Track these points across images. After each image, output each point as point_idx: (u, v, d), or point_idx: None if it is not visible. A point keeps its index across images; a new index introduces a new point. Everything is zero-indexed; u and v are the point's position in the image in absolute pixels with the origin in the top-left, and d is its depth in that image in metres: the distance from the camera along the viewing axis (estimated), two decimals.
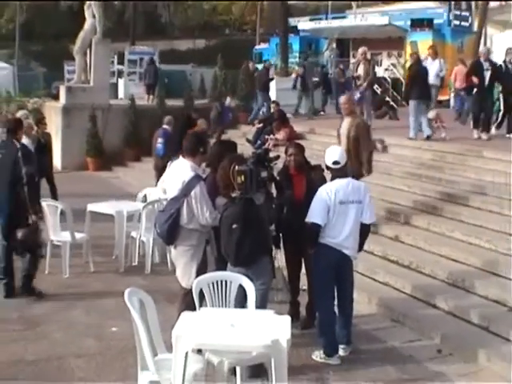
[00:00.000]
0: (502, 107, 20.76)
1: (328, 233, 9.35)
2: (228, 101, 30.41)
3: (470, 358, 9.60)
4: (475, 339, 10.06)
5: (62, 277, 13.30)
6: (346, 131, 14.06)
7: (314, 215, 9.32)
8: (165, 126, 20.17)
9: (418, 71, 22.87)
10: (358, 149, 13.63)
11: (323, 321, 9.67)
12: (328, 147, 10.11)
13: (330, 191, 9.36)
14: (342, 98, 15.25)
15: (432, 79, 24.47)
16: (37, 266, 12.71)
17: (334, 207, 9.29)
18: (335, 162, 9.60)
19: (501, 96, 21.98)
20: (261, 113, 30.01)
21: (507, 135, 20.25)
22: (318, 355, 9.39)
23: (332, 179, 9.62)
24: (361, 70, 24.88)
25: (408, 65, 27.09)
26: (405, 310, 11.41)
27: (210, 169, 10.20)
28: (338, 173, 9.61)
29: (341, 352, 9.59)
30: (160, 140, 19.87)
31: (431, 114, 21.85)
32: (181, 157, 9.72)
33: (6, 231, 12.29)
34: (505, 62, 20.18)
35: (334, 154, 9.74)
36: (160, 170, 16.98)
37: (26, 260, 12.48)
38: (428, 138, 21.12)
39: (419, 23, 43.79)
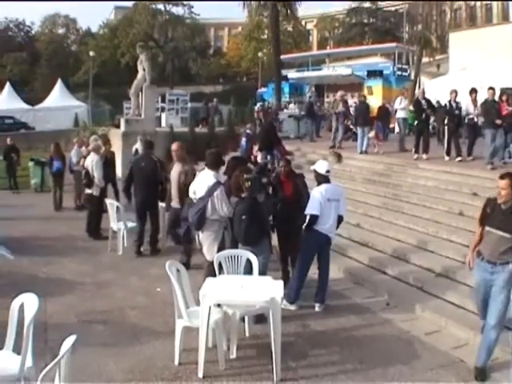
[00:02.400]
0: (446, 135, 19.36)
1: (320, 221, 9.48)
2: (281, 115, 31.96)
3: (409, 309, 9.69)
4: (413, 296, 10.16)
5: (117, 254, 13.43)
6: (177, 176, 12.30)
7: (313, 209, 9.47)
8: (247, 131, 21.01)
9: (363, 108, 23.38)
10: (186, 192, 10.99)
11: (299, 278, 9.77)
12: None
13: (322, 191, 9.54)
14: (174, 145, 12.81)
15: (403, 113, 23.26)
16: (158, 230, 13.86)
17: (324, 203, 9.46)
18: (328, 171, 9.81)
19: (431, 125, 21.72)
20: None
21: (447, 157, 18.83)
22: (283, 303, 9.34)
23: (320, 183, 9.73)
24: (341, 108, 24.99)
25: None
26: (363, 275, 11.51)
27: (227, 177, 10.27)
28: (327, 179, 9.79)
29: (317, 308, 9.73)
30: (244, 139, 20.75)
31: (371, 134, 22.20)
32: (206, 168, 9.82)
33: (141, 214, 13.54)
34: (449, 101, 19.15)
35: (325, 165, 9.94)
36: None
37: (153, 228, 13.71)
38: (364, 152, 21.79)
39: (373, 73, 44.18)
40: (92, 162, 14.82)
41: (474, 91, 19.14)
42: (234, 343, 7.81)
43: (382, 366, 7.62)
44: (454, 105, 19.02)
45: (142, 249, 13.49)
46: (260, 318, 8.38)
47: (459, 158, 18.29)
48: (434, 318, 9.27)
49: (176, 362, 7.53)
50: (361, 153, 21.73)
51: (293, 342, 8.28)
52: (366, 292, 10.75)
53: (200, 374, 7.18)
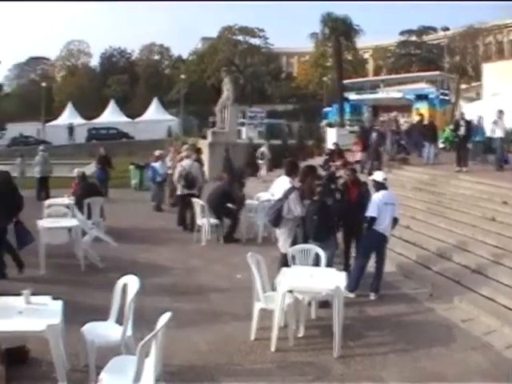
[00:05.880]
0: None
1: (378, 222, 9.48)
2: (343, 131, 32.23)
3: (449, 300, 9.53)
4: (452, 288, 10.03)
5: (201, 244, 13.55)
6: None
7: (372, 211, 9.50)
8: (377, 128, 21.69)
9: (432, 127, 23.36)
10: None
11: (359, 270, 9.75)
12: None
13: (379, 196, 9.58)
14: None
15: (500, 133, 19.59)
16: (236, 225, 14.07)
17: (381, 206, 9.48)
18: (385, 179, 9.89)
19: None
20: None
21: None
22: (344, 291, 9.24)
23: (378, 190, 9.75)
24: (394, 126, 24.81)
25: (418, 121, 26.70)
26: (411, 269, 11.39)
27: (300, 182, 10.23)
28: (384, 186, 9.81)
29: (372, 297, 9.63)
30: (374, 134, 21.27)
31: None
32: (283, 175, 9.85)
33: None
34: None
35: (382, 174, 10.10)
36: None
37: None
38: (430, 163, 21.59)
39: (420, 97, 43.91)
40: (192, 167, 15.29)
41: None
42: (302, 324, 7.83)
43: (426, 347, 7.56)
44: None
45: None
46: (324, 303, 8.35)
47: None
48: (469, 308, 9.13)
49: (252, 338, 7.56)
50: (426, 164, 21.56)
51: (351, 324, 8.20)
52: (413, 284, 10.61)
53: (272, 348, 7.21)
